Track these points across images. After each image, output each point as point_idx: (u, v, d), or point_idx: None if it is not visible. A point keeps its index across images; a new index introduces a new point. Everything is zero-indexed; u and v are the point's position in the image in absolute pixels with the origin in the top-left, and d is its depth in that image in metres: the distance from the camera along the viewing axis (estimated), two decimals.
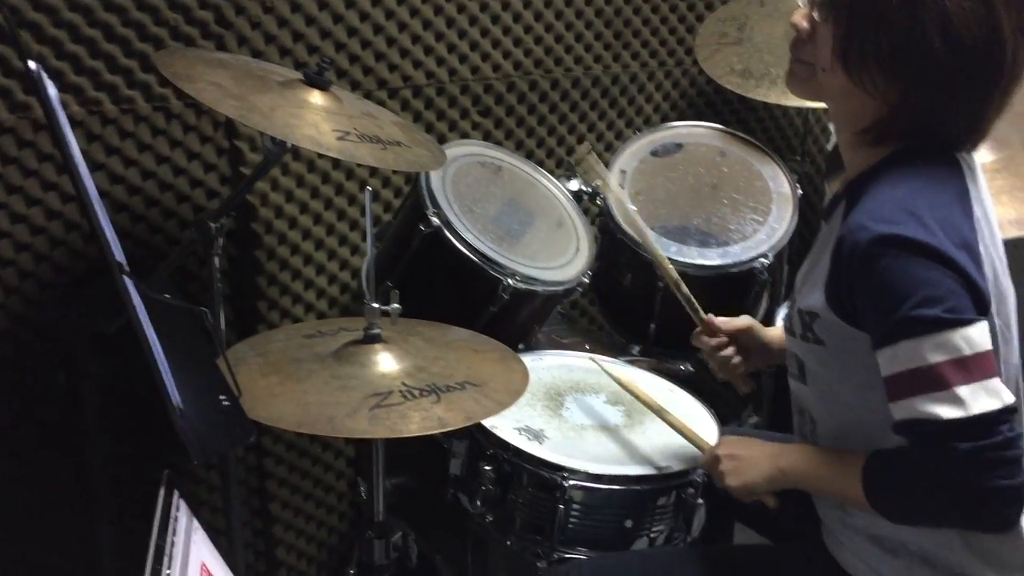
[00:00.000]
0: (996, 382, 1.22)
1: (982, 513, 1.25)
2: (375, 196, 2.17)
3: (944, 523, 1.32)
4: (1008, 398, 1.22)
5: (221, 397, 1.27)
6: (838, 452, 1.40)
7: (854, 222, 1.27)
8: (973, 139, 1.36)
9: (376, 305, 1.56)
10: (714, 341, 1.71)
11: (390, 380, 1.48)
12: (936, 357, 1.20)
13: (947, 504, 1.26)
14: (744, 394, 1.81)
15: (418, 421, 1.39)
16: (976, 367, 1.20)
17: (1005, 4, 1.25)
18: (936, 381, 1.20)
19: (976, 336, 1.21)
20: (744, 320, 1.72)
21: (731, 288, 2.12)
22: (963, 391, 1.20)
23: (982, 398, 1.20)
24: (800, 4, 1.43)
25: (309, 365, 1.53)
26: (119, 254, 1.21)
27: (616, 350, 2.15)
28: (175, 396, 1.17)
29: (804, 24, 1.37)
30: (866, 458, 1.32)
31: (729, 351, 1.70)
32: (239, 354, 1.57)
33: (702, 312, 1.74)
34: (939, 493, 1.25)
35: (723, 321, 1.72)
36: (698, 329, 1.74)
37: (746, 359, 1.71)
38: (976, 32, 1.24)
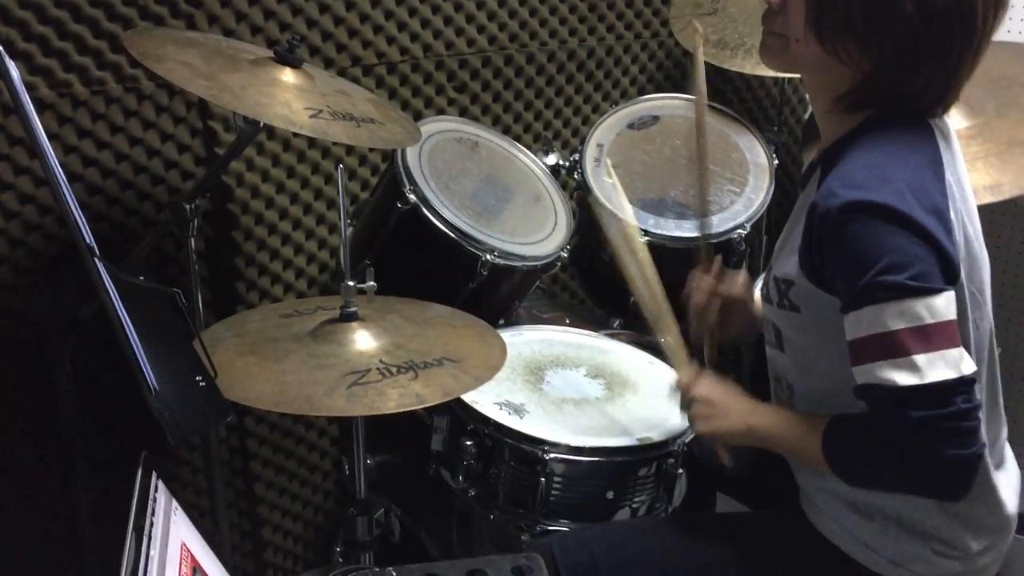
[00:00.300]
0: (956, 352, 1.22)
1: (930, 481, 1.27)
2: (350, 174, 2.16)
3: (894, 489, 1.34)
4: (967, 368, 1.23)
5: (197, 378, 1.27)
6: (806, 416, 1.41)
7: (826, 188, 1.28)
8: (945, 102, 1.36)
9: (351, 283, 1.55)
10: (703, 300, 1.68)
11: (367, 358, 1.48)
12: (897, 324, 1.21)
13: (897, 470, 1.27)
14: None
15: (396, 398, 1.40)
16: (936, 336, 1.21)
17: None
18: (895, 347, 1.21)
19: (940, 305, 1.21)
20: (740, 290, 1.69)
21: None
22: (920, 359, 1.20)
23: (939, 367, 1.21)
24: None
25: (286, 345, 1.52)
26: (89, 237, 1.21)
27: (597, 324, 2.15)
28: (151, 378, 1.17)
29: None
30: (828, 421, 1.34)
31: (714, 312, 1.67)
32: (216, 335, 1.57)
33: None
34: (890, 459, 1.26)
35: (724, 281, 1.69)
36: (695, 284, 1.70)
37: (724, 321, 1.69)
38: None
